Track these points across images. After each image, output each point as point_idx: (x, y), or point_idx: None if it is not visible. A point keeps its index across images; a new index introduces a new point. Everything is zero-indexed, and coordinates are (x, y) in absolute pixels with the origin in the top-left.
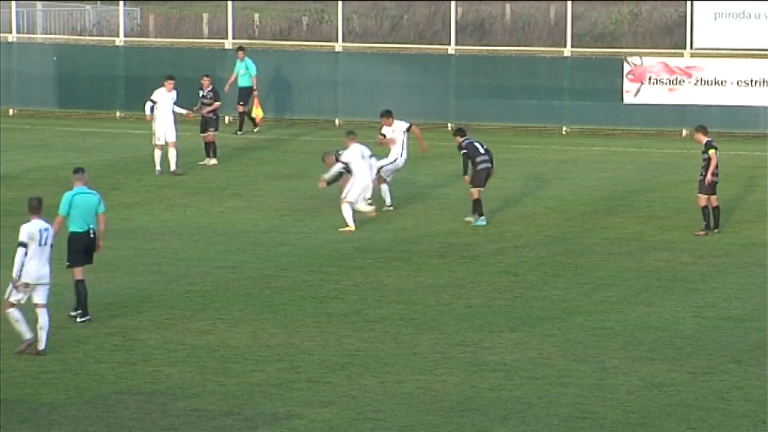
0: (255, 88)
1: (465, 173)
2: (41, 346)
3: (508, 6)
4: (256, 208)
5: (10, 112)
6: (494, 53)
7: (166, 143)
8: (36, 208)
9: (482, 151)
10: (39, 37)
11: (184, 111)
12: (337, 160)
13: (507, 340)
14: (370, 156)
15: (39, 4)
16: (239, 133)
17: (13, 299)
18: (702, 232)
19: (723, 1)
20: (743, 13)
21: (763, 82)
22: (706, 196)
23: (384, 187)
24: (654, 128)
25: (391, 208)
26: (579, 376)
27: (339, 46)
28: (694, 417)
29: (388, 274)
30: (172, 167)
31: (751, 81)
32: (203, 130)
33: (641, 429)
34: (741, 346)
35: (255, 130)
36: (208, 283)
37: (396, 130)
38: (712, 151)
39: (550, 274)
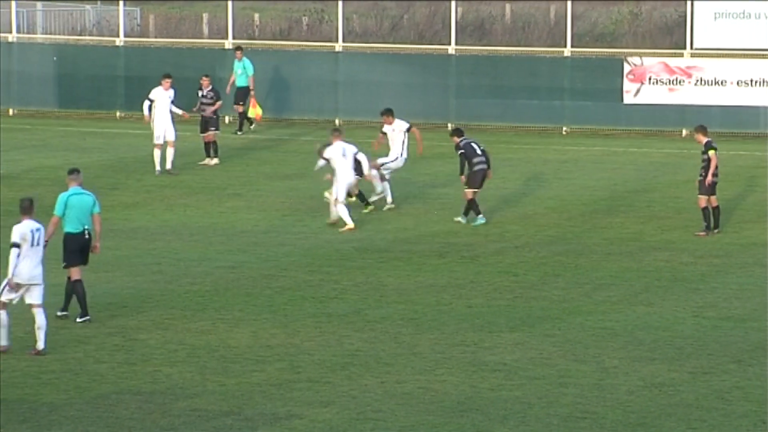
0: (252, 88)
1: (462, 173)
2: (41, 345)
3: (508, 6)
4: (257, 208)
5: (11, 112)
6: (494, 53)
7: (165, 142)
8: (27, 208)
9: (479, 152)
10: (39, 37)
11: (180, 111)
12: (320, 156)
13: (507, 340)
14: (356, 153)
15: (39, 4)
16: (239, 133)
17: (4, 298)
18: (702, 233)
19: (723, 1)
20: (743, 13)
21: (764, 82)
22: (706, 197)
23: (385, 185)
24: (654, 128)
25: (393, 206)
26: (579, 376)
27: (339, 46)
28: (694, 417)
29: (389, 274)
30: (168, 166)
31: (752, 81)
32: (204, 130)
33: (641, 429)
34: (741, 346)
35: (251, 127)
36: (209, 283)
37: (396, 130)
38: (712, 152)
39: (551, 274)
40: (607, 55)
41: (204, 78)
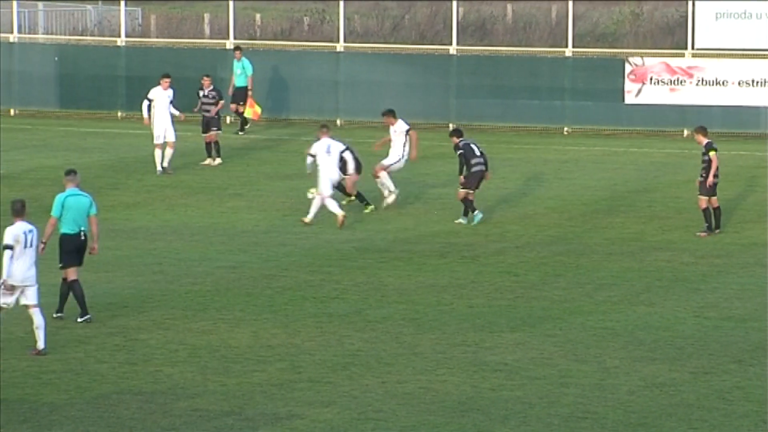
0: (250, 87)
1: (461, 173)
2: (41, 345)
3: (509, 6)
4: (257, 208)
5: (12, 112)
6: (495, 53)
7: (165, 143)
8: (20, 210)
9: (477, 153)
10: (40, 37)
11: (177, 112)
12: (307, 153)
13: (508, 340)
14: (342, 151)
15: (40, 5)
16: (240, 133)
17: (1, 302)
18: (703, 233)
19: (724, 1)
20: (744, 14)
21: (764, 82)
22: (707, 198)
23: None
24: (655, 128)
25: (396, 191)
26: (580, 376)
27: (340, 46)
28: (695, 417)
29: (389, 274)
30: (165, 164)
31: (753, 81)
32: (205, 130)
33: (642, 429)
34: (742, 346)
35: (246, 127)
36: (209, 283)
37: (398, 131)
38: (712, 153)
39: (551, 274)
40: (609, 55)
41: (205, 78)
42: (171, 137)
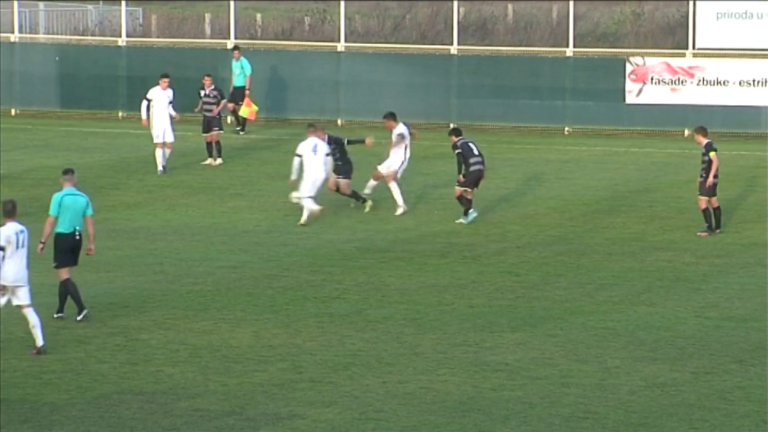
0: (248, 87)
1: (459, 172)
2: (39, 342)
3: (510, 6)
4: (258, 208)
5: (13, 112)
6: (496, 53)
7: (164, 143)
8: (11, 211)
9: (476, 152)
10: (41, 37)
11: (174, 113)
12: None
13: (509, 340)
14: (327, 153)
15: (41, 4)
16: (241, 133)
17: None
18: (704, 233)
19: (725, 1)
20: (745, 13)
21: (765, 82)
22: (707, 198)
23: (393, 186)
24: (656, 128)
25: (405, 207)
26: (581, 376)
27: (341, 46)
28: (696, 417)
29: (390, 274)
30: (163, 163)
31: (753, 81)
32: (206, 130)
33: (643, 429)
34: (743, 346)
35: (237, 128)
36: (210, 283)
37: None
38: (713, 154)
39: (552, 274)
40: (609, 55)
41: (206, 78)
42: (169, 138)
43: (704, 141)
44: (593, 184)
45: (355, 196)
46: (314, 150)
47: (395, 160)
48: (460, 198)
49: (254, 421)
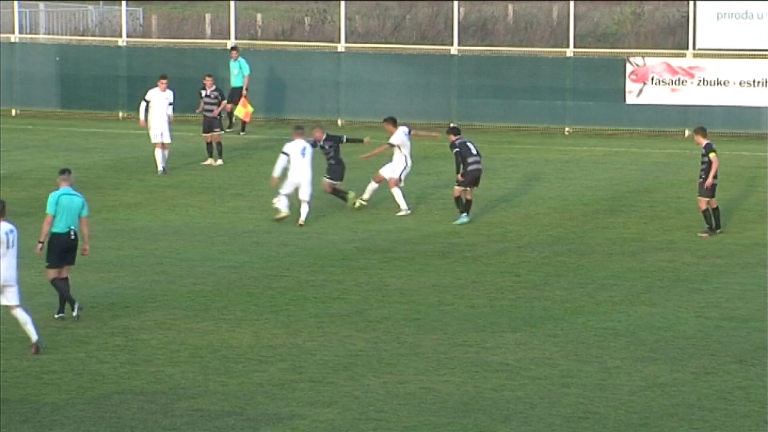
0: (246, 87)
1: (458, 171)
2: (34, 337)
3: (510, 6)
4: (259, 208)
5: (13, 112)
6: (497, 53)
7: (162, 143)
8: (0, 211)
9: (474, 152)
10: (42, 37)
11: (170, 113)
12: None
13: (509, 340)
14: (315, 146)
15: (41, 5)
16: (242, 133)
17: None
18: (705, 234)
19: (725, 2)
20: (746, 14)
21: (766, 82)
22: (707, 199)
23: (396, 192)
24: (656, 128)
25: (408, 211)
26: (581, 376)
27: (341, 46)
28: (696, 417)
29: (391, 275)
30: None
31: (754, 81)
32: (207, 130)
33: (644, 429)
34: (743, 346)
35: (229, 129)
36: (211, 283)
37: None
38: (713, 155)
39: (553, 274)
40: (610, 56)
41: (207, 78)
42: (167, 139)
43: (704, 142)
44: (593, 184)
45: (337, 192)
46: (303, 152)
47: (397, 165)
48: (458, 199)
49: (254, 421)
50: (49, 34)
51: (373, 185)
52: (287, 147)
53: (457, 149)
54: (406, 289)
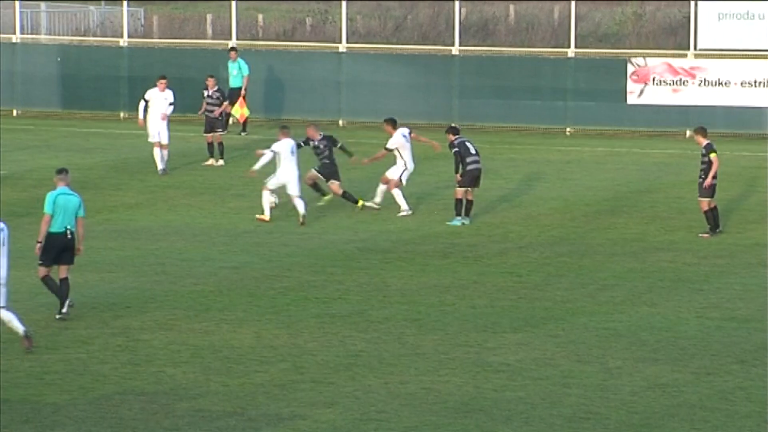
0: (244, 88)
1: (457, 171)
2: (20, 329)
3: (511, 7)
4: (260, 208)
5: (14, 112)
6: (498, 54)
7: (161, 143)
8: None
9: (473, 151)
10: (43, 37)
11: (168, 113)
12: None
13: (510, 340)
14: (300, 145)
15: (43, 5)
16: (243, 133)
17: None
18: (706, 234)
19: (727, 2)
20: (747, 14)
21: (767, 82)
22: (707, 200)
23: (396, 193)
24: (658, 129)
25: (410, 211)
26: (582, 376)
27: (343, 46)
28: (697, 417)
29: (392, 275)
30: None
31: (755, 82)
32: (209, 131)
33: (645, 429)
34: (744, 346)
35: (226, 131)
36: (212, 284)
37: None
38: (714, 155)
39: (554, 274)
40: (611, 56)
41: (209, 78)
42: (164, 140)
43: (704, 142)
44: (595, 184)
45: (315, 187)
46: (292, 152)
47: (397, 167)
48: (459, 201)
49: (255, 421)
50: (50, 34)
51: (382, 187)
52: (276, 146)
53: (455, 149)
54: (407, 289)
